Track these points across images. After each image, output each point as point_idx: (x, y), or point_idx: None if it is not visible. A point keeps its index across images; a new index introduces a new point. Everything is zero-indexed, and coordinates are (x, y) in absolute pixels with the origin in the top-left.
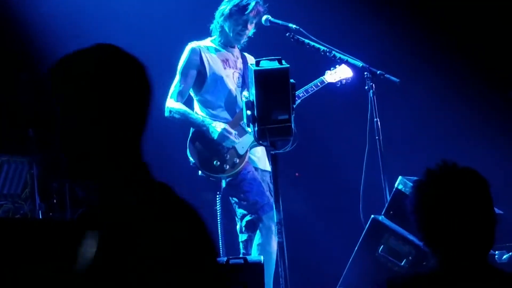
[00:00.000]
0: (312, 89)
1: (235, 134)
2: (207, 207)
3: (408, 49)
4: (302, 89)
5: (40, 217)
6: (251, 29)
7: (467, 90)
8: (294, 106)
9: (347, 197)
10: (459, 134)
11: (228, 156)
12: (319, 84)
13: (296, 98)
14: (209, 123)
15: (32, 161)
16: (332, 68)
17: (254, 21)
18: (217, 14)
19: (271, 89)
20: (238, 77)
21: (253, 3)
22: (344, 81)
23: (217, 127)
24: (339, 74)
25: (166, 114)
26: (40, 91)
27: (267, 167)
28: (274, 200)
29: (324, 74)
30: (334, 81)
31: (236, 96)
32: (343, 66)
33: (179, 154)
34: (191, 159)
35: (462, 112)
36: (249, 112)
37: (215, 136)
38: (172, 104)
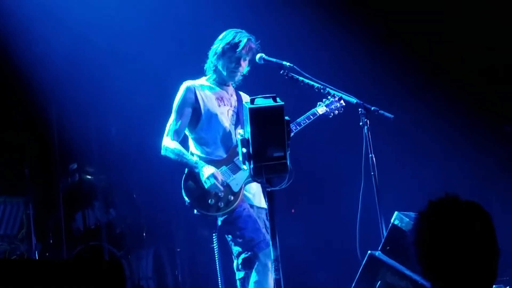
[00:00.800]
0: (304, 122)
1: (222, 179)
2: (204, 244)
3: (402, 84)
4: (294, 122)
5: (37, 257)
6: (244, 66)
7: (463, 124)
8: (289, 142)
9: (343, 233)
10: (455, 168)
11: (223, 194)
12: (311, 116)
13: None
14: (201, 166)
15: (28, 201)
16: (324, 100)
17: (247, 58)
18: (210, 53)
19: (266, 127)
20: (233, 115)
21: (244, 40)
22: (337, 111)
23: (205, 172)
24: (331, 105)
25: (162, 152)
26: (35, 131)
27: (263, 203)
28: (271, 237)
29: (316, 106)
30: (326, 112)
31: (230, 133)
32: (336, 97)
33: (177, 191)
34: (186, 199)
35: (459, 146)
36: (244, 150)
37: (202, 179)
38: (168, 143)
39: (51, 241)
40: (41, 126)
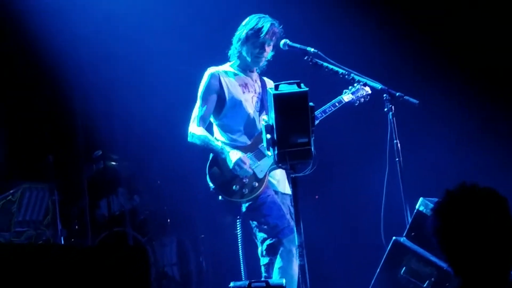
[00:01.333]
0: (330, 109)
1: (250, 164)
2: (228, 231)
3: (428, 70)
4: (319, 110)
5: (62, 243)
6: (269, 51)
7: (487, 111)
8: (313, 128)
9: (368, 219)
10: (480, 154)
11: (247, 180)
12: (337, 104)
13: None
14: (227, 152)
15: (53, 187)
16: (350, 88)
17: (272, 43)
18: (234, 39)
19: (290, 113)
20: (257, 101)
21: (267, 25)
22: (363, 99)
23: (232, 156)
24: (357, 92)
25: (189, 139)
26: (59, 118)
27: (287, 190)
28: (295, 223)
29: (342, 94)
30: (352, 99)
31: (254, 120)
32: (361, 84)
33: (201, 178)
34: (210, 184)
35: (484, 132)
36: (268, 136)
37: (230, 165)
38: (194, 129)
39: (76, 227)
40: (66, 113)
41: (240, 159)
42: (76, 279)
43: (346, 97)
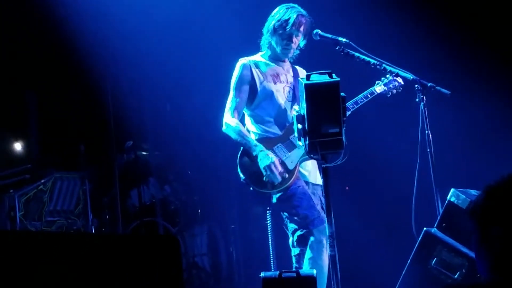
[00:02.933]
0: (361, 100)
1: (281, 171)
2: (258, 221)
3: (459, 60)
4: (351, 101)
5: (93, 232)
6: (297, 42)
7: None
8: (344, 118)
9: (399, 210)
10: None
11: None
12: (369, 95)
13: (347, 110)
14: (260, 150)
15: (84, 177)
16: (382, 79)
17: (300, 34)
18: (264, 30)
19: (322, 103)
20: (289, 91)
21: (294, 16)
22: (395, 91)
23: (265, 158)
24: (390, 84)
25: (223, 129)
26: (91, 108)
27: (318, 180)
28: (326, 214)
29: (374, 85)
30: (384, 91)
31: (286, 110)
32: (393, 76)
33: (231, 168)
34: (241, 175)
35: None
36: (300, 126)
37: (260, 166)
38: (229, 120)
39: (107, 216)
40: (97, 104)
41: (273, 163)
42: (107, 267)
43: (378, 88)
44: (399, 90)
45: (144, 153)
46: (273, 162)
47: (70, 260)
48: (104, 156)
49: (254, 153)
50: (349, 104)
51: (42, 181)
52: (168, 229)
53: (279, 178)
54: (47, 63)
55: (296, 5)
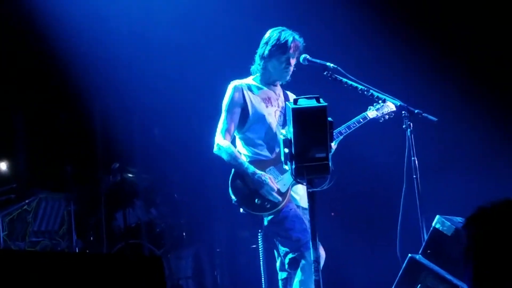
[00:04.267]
0: (354, 125)
1: (277, 189)
2: (244, 245)
3: (446, 87)
4: (344, 126)
5: None
6: (293, 64)
7: (507, 128)
8: (337, 142)
9: (384, 236)
10: (498, 173)
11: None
12: (361, 120)
13: (339, 135)
14: (252, 172)
15: (69, 197)
16: (375, 104)
17: (296, 56)
18: (257, 57)
19: (309, 127)
20: (280, 115)
21: (290, 39)
22: (387, 116)
23: (259, 183)
24: (382, 109)
25: (215, 150)
26: (78, 129)
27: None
28: (311, 238)
29: (367, 110)
30: (376, 116)
31: (277, 134)
32: (386, 101)
33: (218, 192)
34: (233, 197)
35: (502, 151)
36: (286, 150)
37: (258, 188)
38: (221, 141)
39: (91, 238)
40: (85, 125)
41: (267, 184)
42: (90, 287)
43: (371, 113)
44: (391, 116)
45: (130, 175)
46: (268, 184)
47: (53, 280)
48: (90, 178)
49: (247, 175)
50: (341, 128)
51: (27, 201)
52: (153, 252)
53: (279, 198)
54: (35, 82)
55: (285, 28)
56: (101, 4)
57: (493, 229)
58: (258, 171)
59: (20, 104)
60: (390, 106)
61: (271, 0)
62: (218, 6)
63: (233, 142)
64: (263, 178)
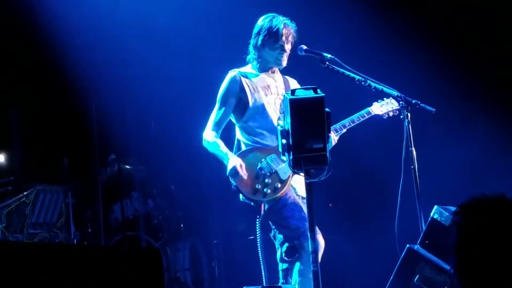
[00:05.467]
0: (358, 119)
1: (245, 174)
2: (241, 237)
3: (445, 78)
4: (348, 119)
5: None
6: (288, 50)
7: (507, 119)
8: (339, 135)
9: (382, 226)
10: (497, 163)
11: (270, 180)
12: (365, 115)
13: (342, 128)
14: (227, 159)
15: (67, 190)
16: (379, 100)
17: (290, 41)
18: (250, 48)
19: (306, 118)
20: (281, 103)
21: (281, 26)
22: (392, 113)
23: (229, 163)
24: (387, 106)
25: (203, 143)
26: (75, 121)
27: None
28: (309, 229)
29: (371, 105)
30: (381, 113)
31: (278, 122)
32: (391, 98)
33: (216, 183)
34: (232, 182)
35: (501, 142)
36: (284, 141)
37: (226, 173)
38: (206, 134)
39: (89, 230)
40: (81, 117)
41: (234, 168)
42: (88, 279)
43: (375, 109)
44: (396, 113)
45: (127, 166)
46: (235, 167)
47: (51, 272)
48: (88, 170)
49: (225, 162)
50: (345, 121)
51: (25, 193)
52: (150, 244)
53: (241, 176)
54: (32, 76)
55: (276, 14)
56: None
57: (480, 222)
58: (232, 156)
59: (17, 97)
60: (394, 103)
61: None
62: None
63: (233, 131)
64: (232, 162)
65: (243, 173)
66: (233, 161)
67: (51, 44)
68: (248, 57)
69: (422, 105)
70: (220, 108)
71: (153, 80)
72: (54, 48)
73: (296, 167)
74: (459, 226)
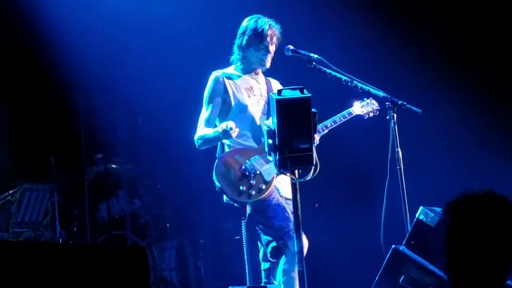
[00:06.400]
0: (340, 120)
1: (234, 132)
2: (228, 236)
3: (431, 78)
4: (330, 120)
5: None
6: (272, 51)
7: (492, 119)
8: (320, 135)
9: (368, 227)
10: (483, 164)
11: (255, 181)
12: (347, 115)
13: (324, 128)
14: (218, 132)
15: (53, 188)
16: (360, 101)
17: (274, 42)
18: (235, 48)
19: (293, 118)
20: (264, 105)
21: (266, 27)
22: (372, 114)
23: (220, 127)
24: (367, 107)
25: (196, 145)
26: (61, 119)
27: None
28: (295, 229)
29: (352, 106)
30: (362, 113)
31: (261, 124)
32: (371, 98)
33: (202, 183)
34: (217, 183)
35: (487, 142)
36: (270, 141)
37: (216, 133)
38: (198, 133)
39: (75, 229)
40: (68, 115)
41: (230, 128)
42: (73, 278)
43: (356, 109)
44: (376, 114)
45: (114, 166)
46: (230, 127)
47: (36, 270)
48: (74, 168)
49: (220, 137)
50: (327, 122)
51: (11, 192)
52: (137, 243)
53: (230, 127)
54: (19, 73)
55: (261, 15)
56: None
57: (471, 219)
58: (221, 124)
59: (4, 94)
60: (374, 104)
61: None
62: None
63: None
64: (226, 128)
65: (234, 131)
66: (222, 125)
67: (39, 42)
68: (232, 57)
69: (408, 106)
70: (207, 108)
71: (141, 78)
72: (42, 46)
73: (282, 167)
74: (449, 224)
